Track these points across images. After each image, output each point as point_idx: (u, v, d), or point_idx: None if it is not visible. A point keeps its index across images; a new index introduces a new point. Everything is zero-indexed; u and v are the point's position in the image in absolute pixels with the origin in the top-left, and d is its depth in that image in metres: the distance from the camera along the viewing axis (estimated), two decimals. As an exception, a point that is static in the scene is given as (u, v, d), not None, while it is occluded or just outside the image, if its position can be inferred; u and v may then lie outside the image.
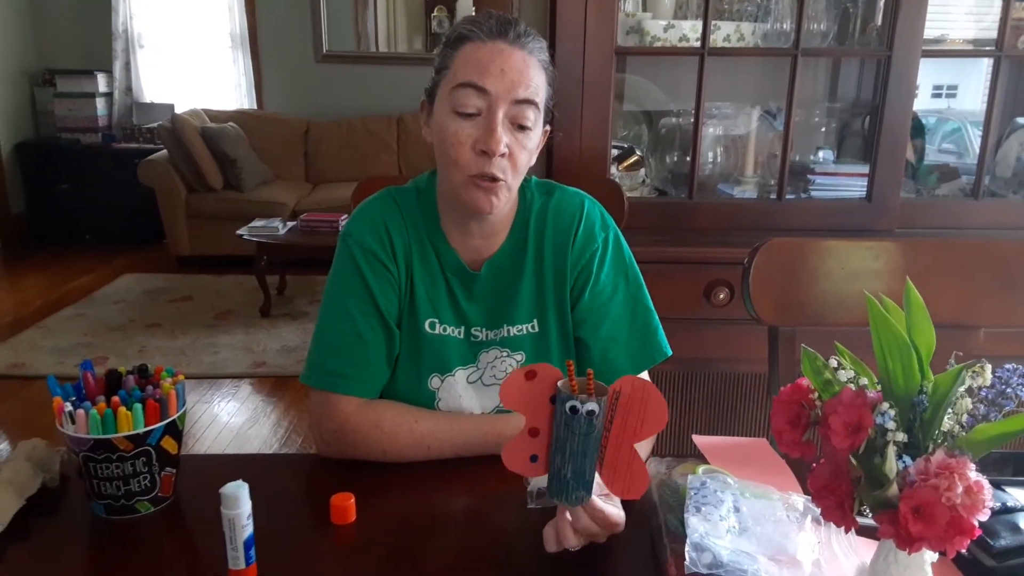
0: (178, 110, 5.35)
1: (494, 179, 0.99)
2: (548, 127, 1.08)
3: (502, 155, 0.99)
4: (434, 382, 1.10)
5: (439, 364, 1.10)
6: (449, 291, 1.10)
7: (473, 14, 1.02)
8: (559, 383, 0.77)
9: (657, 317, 1.14)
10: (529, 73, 0.99)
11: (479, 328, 1.11)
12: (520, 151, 1.00)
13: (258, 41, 5.59)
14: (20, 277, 4.80)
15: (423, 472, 1.02)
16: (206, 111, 5.34)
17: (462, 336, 1.11)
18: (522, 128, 1.00)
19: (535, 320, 1.11)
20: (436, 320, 1.10)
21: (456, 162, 1.00)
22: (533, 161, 1.05)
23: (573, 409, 0.75)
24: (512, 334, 1.11)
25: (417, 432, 1.04)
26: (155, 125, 5.26)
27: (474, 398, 1.11)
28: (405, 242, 1.09)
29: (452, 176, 1.02)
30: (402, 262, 1.09)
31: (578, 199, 1.13)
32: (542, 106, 1.02)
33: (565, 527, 0.81)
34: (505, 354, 1.11)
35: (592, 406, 0.75)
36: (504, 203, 1.03)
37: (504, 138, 0.98)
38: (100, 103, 5.50)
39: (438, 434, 1.04)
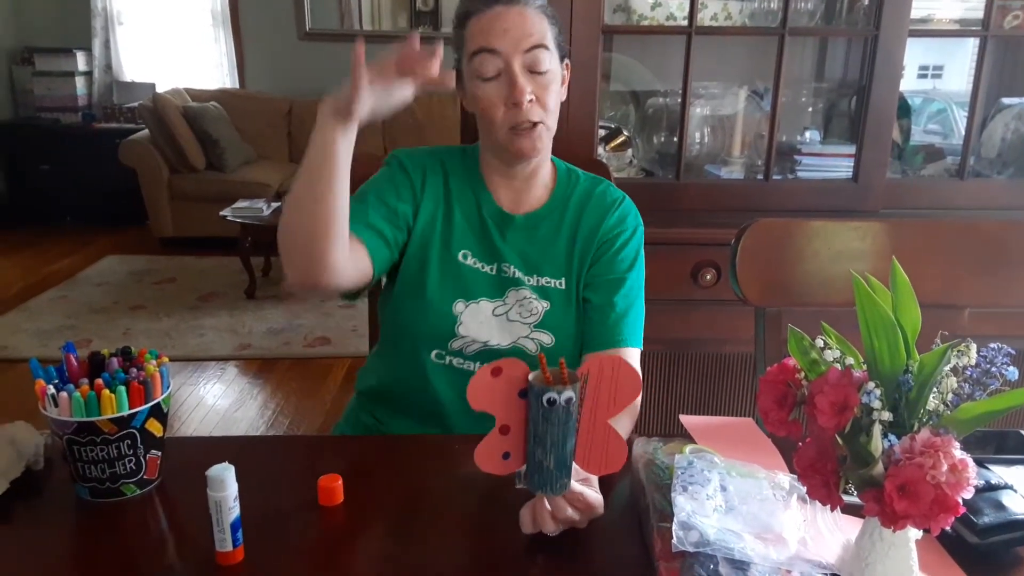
0: (159, 89, 5.27)
1: (532, 124, 1.10)
2: (568, 62, 1.18)
3: (529, 102, 1.10)
4: (458, 307, 1.17)
5: (465, 291, 1.18)
6: (484, 232, 1.20)
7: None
8: (530, 377, 0.77)
9: (643, 315, 1.21)
10: (529, 24, 1.10)
11: (508, 265, 1.19)
12: (545, 93, 1.12)
13: (240, 19, 5.49)
14: (0, 259, 4.73)
15: (410, 452, 1.02)
16: (188, 90, 5.26)
17: (494, 272, 1.19)
18: (540, 72, 1.11)
19: (563, 278, 1.20)
20: (469, 252, 1.19)
21: (493, 121, 1.12)
22: (563, 97, 1.16)
23: (551, 401, 0.75)
24: (543, 284, 1.19)
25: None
26: (136, 104, 5.17)
27: (494, 328, 1.17)
28: (442, 181, 1.20)
29: (494, 134, 1.14)
30: (431, 192, 1.19)
31: (621, 194, 1.25)
32: (552, 46, 1.12)
33: (543, 513, 0.81)
34: (534, 297, 1.18)
35: (569, 394, 0.76)
36: (546, 144, 1.15)
37: (527, 87, 1.09)
38: (80, 82, 5.40)
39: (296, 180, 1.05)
